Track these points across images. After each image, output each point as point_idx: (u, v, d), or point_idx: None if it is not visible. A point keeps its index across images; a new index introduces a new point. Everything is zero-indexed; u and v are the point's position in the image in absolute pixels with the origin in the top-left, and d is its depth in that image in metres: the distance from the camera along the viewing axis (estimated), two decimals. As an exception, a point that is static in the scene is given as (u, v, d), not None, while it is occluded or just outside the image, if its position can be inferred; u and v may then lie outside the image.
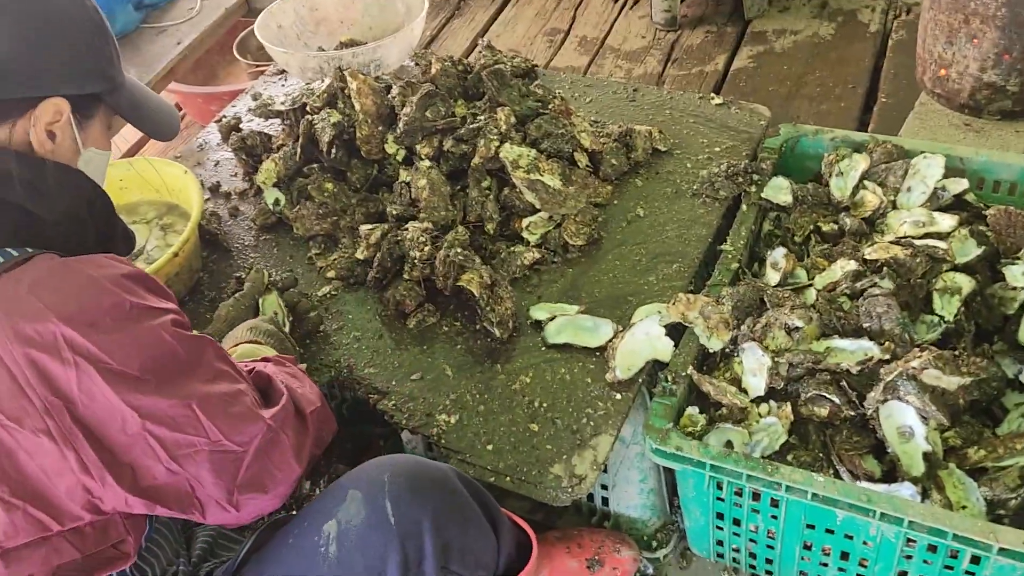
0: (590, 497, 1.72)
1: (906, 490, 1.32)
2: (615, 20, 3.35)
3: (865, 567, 1.44)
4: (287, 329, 1.58)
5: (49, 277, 0.99)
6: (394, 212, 1.78)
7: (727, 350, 1.54)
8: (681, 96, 2.11)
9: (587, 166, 1.88)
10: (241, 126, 2.14)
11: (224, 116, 2.24)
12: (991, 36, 2.09)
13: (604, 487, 1.68)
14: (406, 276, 1.68)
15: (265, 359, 1.32)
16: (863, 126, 2.67)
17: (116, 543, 1.09)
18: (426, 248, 1.66)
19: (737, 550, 1.58)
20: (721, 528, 1.55)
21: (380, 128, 1.89)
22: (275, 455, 1.12)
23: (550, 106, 1.94)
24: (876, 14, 3.10)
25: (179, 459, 1.04)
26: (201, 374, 1.07)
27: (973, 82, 2.19)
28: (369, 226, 1.74)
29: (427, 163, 1.81)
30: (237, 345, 1.45)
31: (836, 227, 1.76)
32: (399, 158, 1.89)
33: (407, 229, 1.70)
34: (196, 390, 1.05)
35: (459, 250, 1.63)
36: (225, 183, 2.06)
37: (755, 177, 1.82)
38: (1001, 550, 1.20)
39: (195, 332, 1.10)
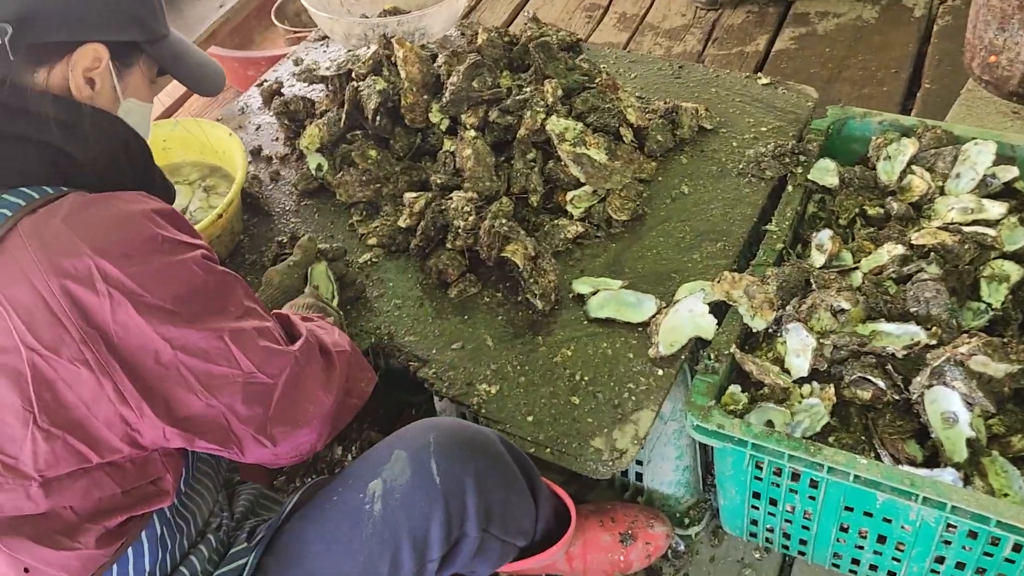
0: (624, 473, 1.73)
1: (948, 475, 1.32)
2: (655, -3, 3.33)
3: (902, 551, 1.44)
4: (335, 302, 1.58)
5: (83, 210, 1.00)
6: (438, 181, 1.78)
7: (770, 330, 1.53)
8: (727, 75, 2.09)
9: (632, 141, 1.87)
10: (283, 91, 2.14)
11: (266, 80, 2.24)
12: (1045, 23, 2.06)
13: (639, 463, 1.68)
14: (449, 245, 1.68)
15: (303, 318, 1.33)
16: (905, 111, 2.65)
17: (154, 480, 1.11)
18: (470, 218, 1.66)
19: (771, 530, 1.59)
20: (757, 507, 1.55)
21: (425, 97, 1.89)
22: (305, 387, 1.14)
23: (596, 80, 1.93)
24: (921, -1, 3.07)
25: (212, 390, 1.05)
26: (232, 309, 1.08)
27: (1023, 72, 2.16)
28: (414, 194, 1.74)
29: (472, 133, 1.81)
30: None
31: (882, 211, 1.74)
32: (443, 127, 1.89)
33: (451, 198, 1.70)
34: (227, 324, 1.06)
35: (504, 221, 1.63)
36: (267, 147, 2.06)
37: (801, 158, 1.81)
38: (1046, 538, 1.20)
39: (224, 268, 1.11)
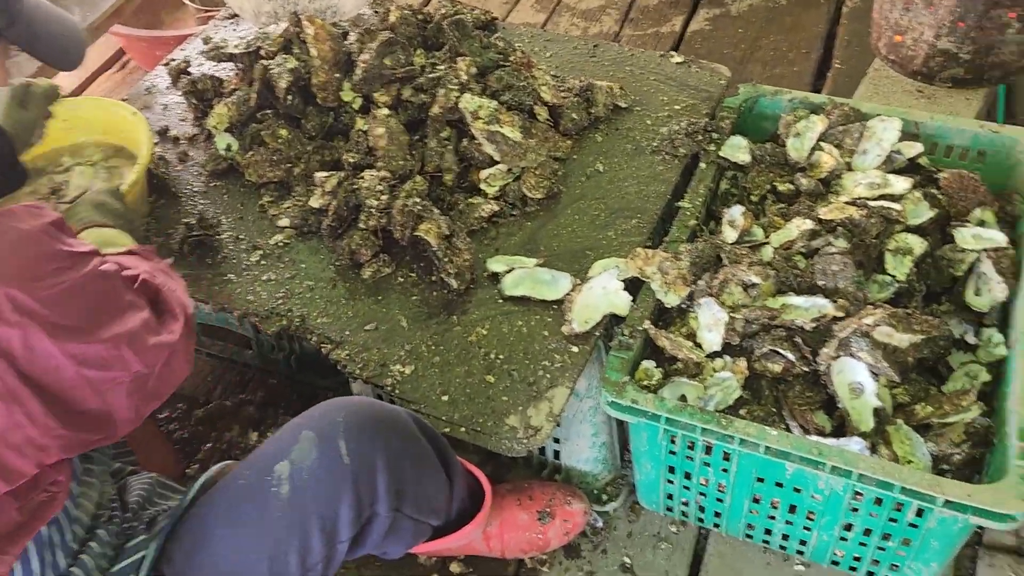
0: (542, 451, 1.72)
1: (855, 444, 1.34)
2: (573, -22, 3.30)
3: (812, 520, 1.45)
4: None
5: None
6: (351, 160, 1.73)
7: (684, 306, 1.53)
8: (642, 54, 2.08)
9: (547, 120, 1.85)
10: (191, 70, 2.06)
11: (173, 59, 2.15)
12: (948, 3, 2.09)
13: (556, 440, 1.67)
14: (362, 225, 1.64)
15: (130, 252, 1.23)
16: (816, 91, 2.67)
17: (48, 485, 1.06)
18: (383, 197, 1.62)
19: (686, 503, 1.59)
20: (672, 482, 1.55)
21: (337, 75, 1.83)
22: (175, 366, 1.11)
23: (511, 59, 1.90)
24: (831, -19, 3.10)
25: (106, 394, 1.02)
26: (120, 311, 1.05)
27: (927, 49, 2.19)
28: (325, 173, 1.69)
29: (385, 111, 1.76)
30: (86, 228, 1.31)
31: (792, 187, 1.75)
32: (356, 106, 1.84)
33: (363, 178, 1.66)
34: (123, 328, 1.03)
35: (417, 200, 1.60)
36: (174, 127, 1.98)
37: (714, 136, 1.81)
38: (946, 502, 1.22)
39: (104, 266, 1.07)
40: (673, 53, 2.06)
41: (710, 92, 1.95)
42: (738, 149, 1.80)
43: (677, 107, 1.91)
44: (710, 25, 2.98)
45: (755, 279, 1.47)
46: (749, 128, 1.89)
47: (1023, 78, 2.47)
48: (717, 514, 1.57)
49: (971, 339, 1.54)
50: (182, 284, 1.23)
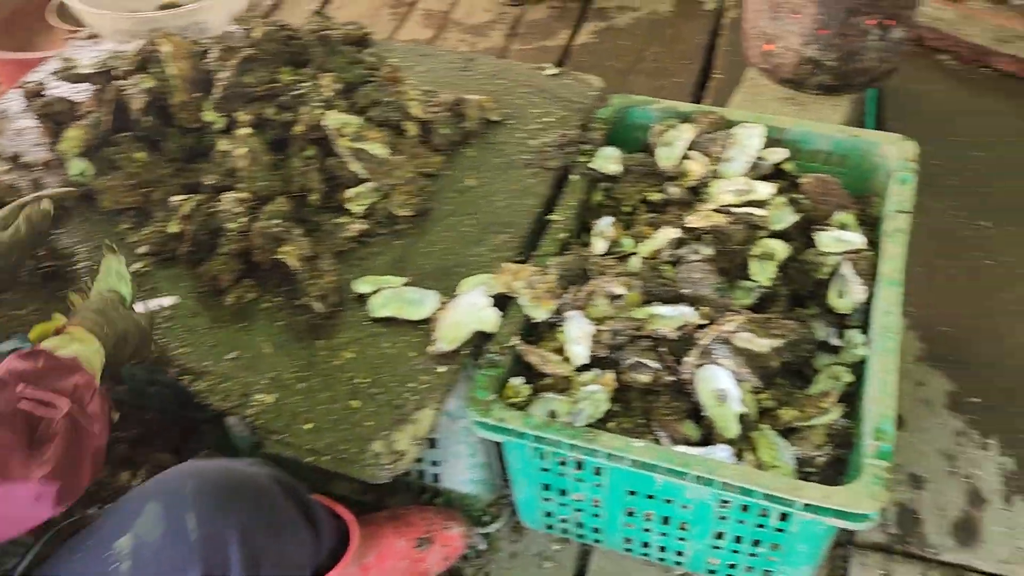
0: (421, 475, 1.67)
1: (722, 452, 1.33)
2: (460, -6, 3.29)
3: (685, 530, 1.44)
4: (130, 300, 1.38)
5: None
6: (210, 182, 1.66)
7: (552, 320, 1.51)
8: (515, 66, 2.07)
9: (417, 135, 1.81)
10: (45, 92, 1.96)
11: (28, 81, 2.05)
12: (810, 11, 2.14)
13: (434, 463, 1.63)
14: (222, 250, 1.57)
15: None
16: (698, 102, 2.71)
17: None
18: (242, 219, 1.56)
19: (565, 520, 1.57)
20: (549, 499, 1.53)
21: (197, 95, 1.76)
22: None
23: (379, 74, 1.86)
24: (711, -8, 3.16)
25: None
26: None
27: (795, 57, 2.24)
28: (181, 197, 1.62)
29: (247, 130, 1.70)
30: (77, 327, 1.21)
31: (663, 196, 1.76)
32: (219, 126, 1.77)
33: (222, 200, 1.60)
34: None
35: (276, 221, 1.54)
36: (28, 153, 1.88)
37: (585, 147, 1.80)
38: (805, 506, 1.22)
39: None
40: (546, 65, 2.05)
41: (582, 104, 1.94)
42: (609, 160, 1.79)
43: (549, 119, 1.90)
44: (596, 38, 2.99)
45: (619, 290, 1.46)
46: (622, 138, 1.89)
47: (892, 82, 2.54)
48: (596, 529, 1.55)
49: (835, 341, 1.56)
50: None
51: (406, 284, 1.56)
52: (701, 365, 1.39)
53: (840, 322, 1.58)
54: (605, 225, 1.65)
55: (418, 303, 1.53)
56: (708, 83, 2.76)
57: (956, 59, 2.70)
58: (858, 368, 1.49)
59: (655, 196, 1.76)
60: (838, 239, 1.62)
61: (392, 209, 1.68)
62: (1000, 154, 2.38)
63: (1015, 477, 1.69)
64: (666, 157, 1.80)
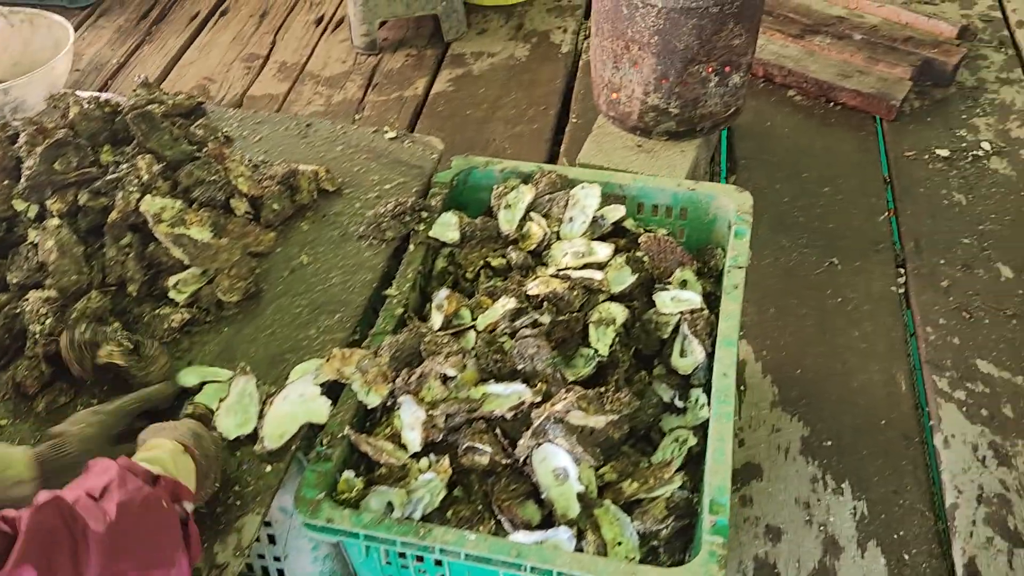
0: (265, 571, 1.59)
1: (563, 534, 1.30)
2: (316, 44, 3.23)
3: (536, 614, 1.40)
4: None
5: None
6: (14, 280, 1.56)
7: (388, 404, 1.45)
8: (355, 131, 2.01)
9: (247, 212, 1.74)
10: None
11: None
12: (649, 62, 2.16)
13: (276, 559, 1.55)
14: (28, 353, 1.47)
15: None
16: (556, 146, 2.72)
17: None
18: (48, 321, 1.46)
19: (417, 610, 1.51)
20: (396, 591, 1.46)
21: (7, 182, 1.66)
22: None
23: (204, 150, 1.78)
24: (567, 35, 3.17)
25: None
26: None
27: (640, 105, 2.25)
28: (-19, 299, 1.51)
29: (57, 221, 1.60)
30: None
31: (505, 261, 1.73)
32: (31, 215, 1.67)
33: (27, 300, 1.49)
34: None
35: (84, 327, 1.44)
36: None
37: (424, 215, 1.76)
38: (641, 592, 1.19)
39: None
40: (387, 129, 2.01)
41: (422, 168, 1.90)
42: (448, 227, 1.75)
43: (388, 186, 1.85)
44: (453, 86, 2.97)
45: (450, 371, 1.42)
46: (466, 201, 1.86)
47: (744, 119, 2.59)
48: (449, 617, 1.50)
49: (679, 403, 1.55)
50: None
51: (235, 376, 1.49)
52: (538, 445, 1.36)
53: (685, 382, 1.57)
54: (442, 298, 1.61)
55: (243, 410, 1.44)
56: (566, 128, 2.76)
57: (803, 94, 2.77)
58: (703, 429, 1.48)
59: (497, 261, 1.73)
60: (676, 299, 1.62)
61: (218, 295, 1.60)
62: (844, 189, 2.44)
63: (868, 522, 1.71)
64: (507, 220, 1.78)
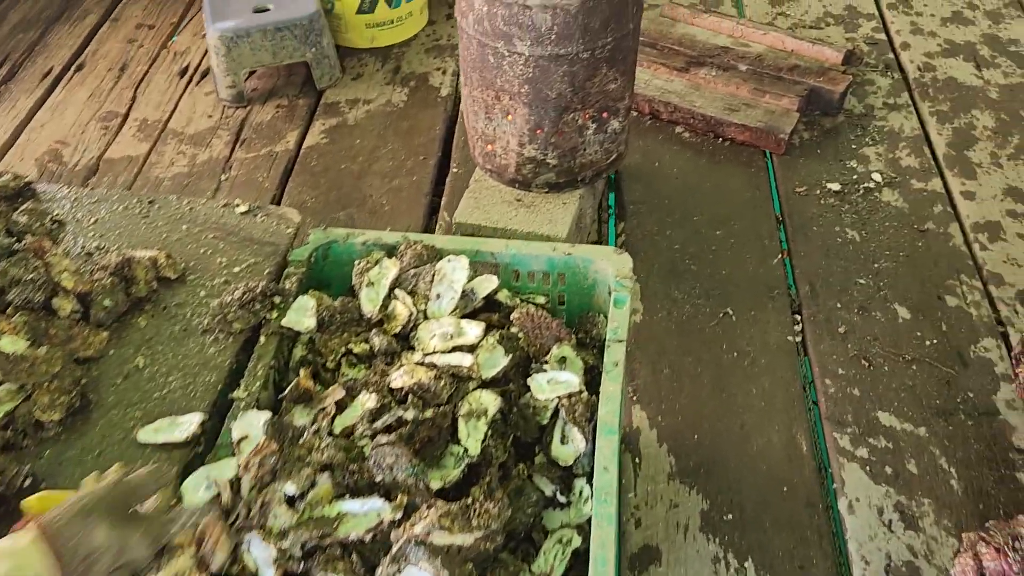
0: None
1: (434, 669, 1.17)
2: (180, 98, 3.05)
3: None
4: None
5: None
6: None
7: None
8: (202, 206, 1.86)
9: (74, 311, 1.57)
10: None
11: None
12: (522, 112, 2.06)
13: None
14: None
15: None
16: (437, 197, 2.60)
17: None
18: None
19: None
20: None
21: None
22: None
23: (24, 242, 1.61)
24: (447, 76, 3.07)
25: None
26: None
27: (516, 157, 2.15)
28: None
29: None
30: None
31: (368, 347, 1.60)
32: None
33: None
34: None
35: None
36: None
37: (276, 300, 1.61)
38: None
39: None
40: (238, 202, 1.86)
41: (276, 245, 1.76)
42: (303, 313, 1.61)
43: (237, 269, 1.71)
44: (327, 138, 2.83)
45: (291, 489, 1.28)
46: (328, 278, 1.73)
47: (632, 160, 2.52)
48: None
49: (561, 497, 1.44)
50: None
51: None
52: (399, 572, 1.23)
53: (568, 472, 1.47)
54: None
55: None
56: (447, 178, 2.65)
57: (691, 130, 2.72)
58: (587, 528, 1.37)
59: (360, 347, 1.60)
60: (553, 381, 1.51)
61: (37, 414, 1.43)
62: (736, 231, 2.38)
63: (774, 602, 1.63)
64: (370, 300, 1.65)
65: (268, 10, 2.92)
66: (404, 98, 2.98)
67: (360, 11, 3.10)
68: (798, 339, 2.11)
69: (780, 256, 2.31)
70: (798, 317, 2.16)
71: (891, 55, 3.02)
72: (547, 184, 2.19)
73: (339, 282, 1.73)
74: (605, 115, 2.11)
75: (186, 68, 3.19)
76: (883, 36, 3.11)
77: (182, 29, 3.41)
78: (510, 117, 2.09)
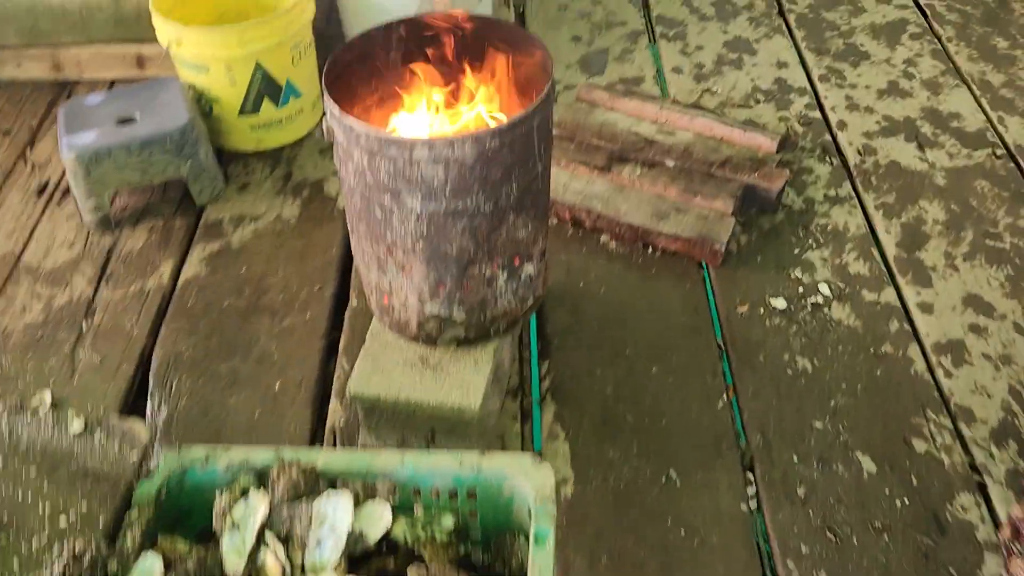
0: None
1: None
2: (37, 223, 2.71)
3: None
4: None
5: None
6: None
7: None
8: (27, 426, 1.53)
9: None
10: None
11: None
12: (419, 269, 1.78)
13: None
14: None
15: None
16: (335, 332, 2.30)
17: None
18: None
19: None
20: None
21: None
22: None
23: None
24: (344, 184, 2.77)
25: None
26: None
27: (417, 314, 1.87)
28: None
29: None
30: None
31: (233, 618, 1.29)
32: None
33: None
34: None
35: None
36: None
37: (112, 568, 1.30)
38: None
39: None
40: (72, 417, 1.53)
41: (117, 478, 1.45)
42: (149, 579, 1.31)
43: (64, 523, 1.39)
44: (208, 267, 2.51)
45: None
46: (187, 506, 1.43)
47: (555, 281, 2.27)
48: None
49: None
50: None
51: None
52: None
53: None
54: None
55: None
56: (345, 312, 2.35)
57: (618, 239, 2.47)
58: None
59: (222, 620, 1.29)
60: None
61: None
62: (675, 365, 2.13)
63: None
64: (235, 551, 1.35)
65: (134, 119, 2.60)
66: (296, 211, 2.67)
67: (243, 112, 2.79)
68: (753, 504, 1.86)
69: (725, 396, 2.06)
70: (751, 475, 1.91)
71: (828, 136, 2.82)
72: (455, 340, 1.91)
73: (200, 510, 1.43)
74: (517, 261, 1.84)
75: (45, 184, 2.84)
76: (817, 114, 2.90)
77: (43, 136, 3.06)
78: (406, 272, 1.81)
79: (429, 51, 1.81)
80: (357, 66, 1.81)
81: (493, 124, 1.77)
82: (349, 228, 1.89)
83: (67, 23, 3.11)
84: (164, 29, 2.64)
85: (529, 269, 1.89)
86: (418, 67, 1.78)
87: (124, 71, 3.23)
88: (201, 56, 2.66)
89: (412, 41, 1.80)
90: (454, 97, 1.83)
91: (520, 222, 1.77)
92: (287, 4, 2.78)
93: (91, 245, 2.61)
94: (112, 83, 3.25)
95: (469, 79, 1.81)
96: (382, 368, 1.92)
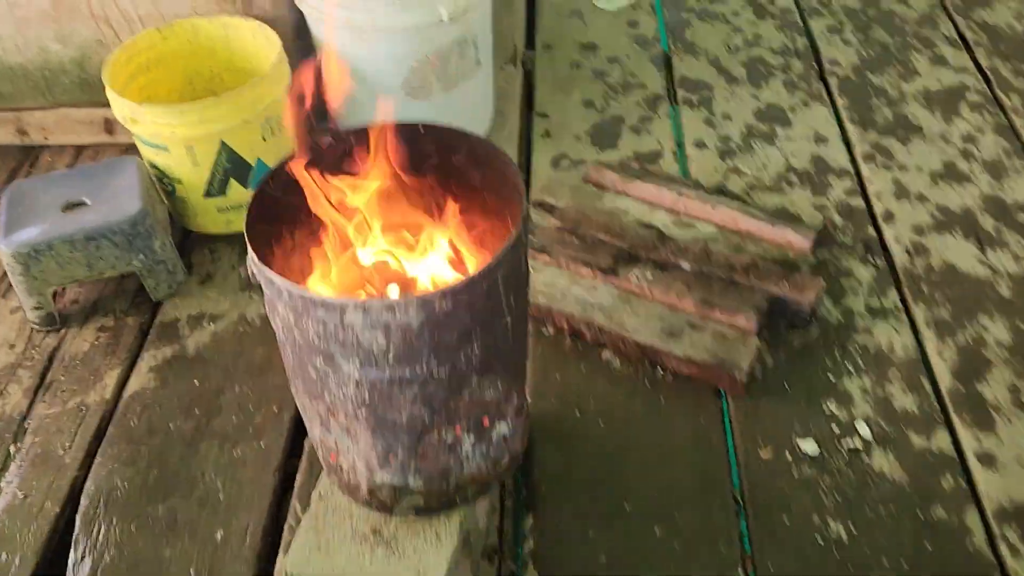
0: None
1: None
2: (-24, 317, 2.47)
3: None
4: None
5: None
6: None
7: None
8: None
9: None
10: None
11: None
12: (365, 436, 1.51)
13: None
14: None
15: None
16: (289, 475, 2.03)
17: None
18: None
19: None
20: None
21: None
22: None
23: None
24: (319, 278, 2.50)
25: None
26: None
27: (367, 481, 1.60)
28: None
29: None
30: None
31: None
32: None
33: None
34: None
35: None
36: None
37: None
38: None
39: None
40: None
41: None
42: None
43: None
44: (156, 379, 2.25)
45: None
46: None
47: (544, 410, 1.98)
48: None
49: None
50: None
51: None
52: None
53: None
54: None
55: None
56: (304, 444, 2.08)
57: (623, 357, 2.17)
58: None
59: None
60: None
61: None
62: (683, 528, 1.83)
63: None
64: None
65: (83, 204, 2.36)
66: (261, 311, 2.41)
67: (208, 195, 2.54)
68: None
69: (742, 571, 1.75)
70: None
71: (872, 230, 2.50)
72: (414, 508, 1.63)
73: None
74: (486, 423, 1.56)
75: (-8, 272, 2.62)
76: (860, 202, 2.58)
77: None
78: (351, 436, 1.53)
79: (376, 172, 1.53)
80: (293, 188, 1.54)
81: (451, 276, 1.49)
82: (286, 372, 1.62)
83: (29, 85, 2.90)
84: (118, 105, 2.40)
85: (502, 428, 1.60)
86: (359, 197, 1.50)
87: (92, 136, 3.01)
88: (159, 135, 2.41)
89: (356, 160, 1.53)
90: (409, 230, 1.56)
91: (487, 383, 1.49)
92: (263, 70, 2.53)
93: (34, 345, 2.37)
94: (80, 149, 3.02)
95: (425, 213, 1.54)
96: (326, 542, 1.64)
